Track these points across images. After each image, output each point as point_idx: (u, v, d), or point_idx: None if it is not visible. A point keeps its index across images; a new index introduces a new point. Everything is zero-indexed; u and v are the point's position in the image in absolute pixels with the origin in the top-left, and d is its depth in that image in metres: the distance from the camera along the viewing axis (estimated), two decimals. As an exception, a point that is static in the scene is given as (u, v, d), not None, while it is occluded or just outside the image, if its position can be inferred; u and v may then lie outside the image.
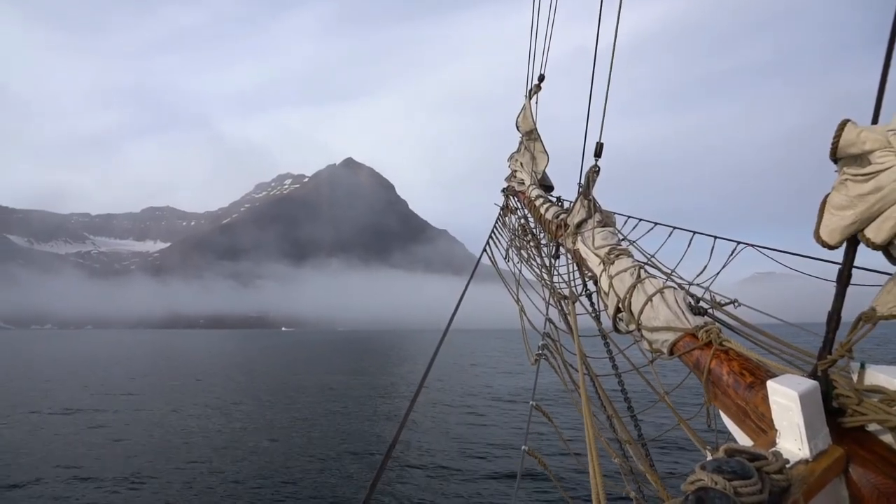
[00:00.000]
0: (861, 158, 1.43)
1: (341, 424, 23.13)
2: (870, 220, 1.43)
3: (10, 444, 19.64)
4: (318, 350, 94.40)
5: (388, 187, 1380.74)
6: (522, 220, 6.16)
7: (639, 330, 2.61)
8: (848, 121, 1.44)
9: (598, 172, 3.60)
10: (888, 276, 1.53)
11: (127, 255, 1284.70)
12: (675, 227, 3.67)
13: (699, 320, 2.31)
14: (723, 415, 1.92)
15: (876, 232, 1.43)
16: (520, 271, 4.88)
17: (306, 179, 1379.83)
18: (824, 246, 1.55)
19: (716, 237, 3.24)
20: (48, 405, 29.02)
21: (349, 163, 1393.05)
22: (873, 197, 1.40)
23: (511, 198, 6.76)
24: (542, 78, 6.30)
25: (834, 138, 1.45)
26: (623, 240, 3.67)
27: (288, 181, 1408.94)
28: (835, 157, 1.48)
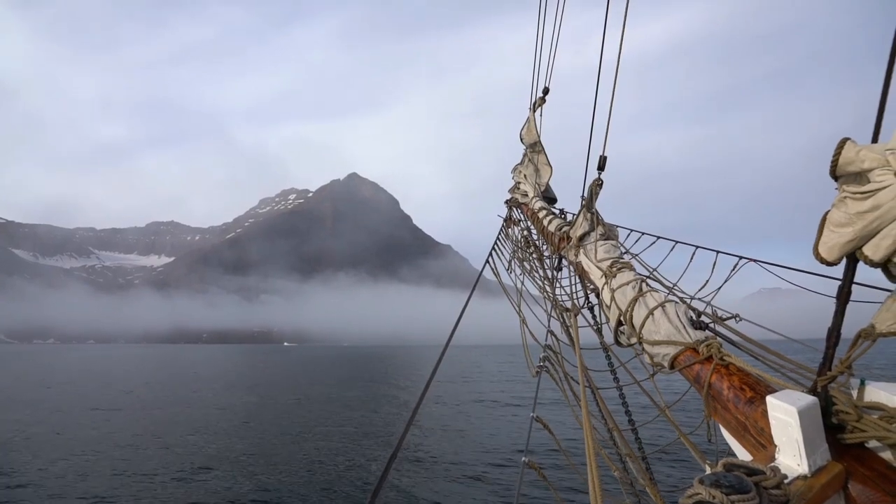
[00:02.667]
0: (860, 176, 1.45)
1: (338, 439, 22.95)
2: (868, 237, 1.44)
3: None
4: (317, 365, 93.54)
5: (393, 202, 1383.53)
6: (525, 232, 6.16)
7: (640, 343, 2.61)
8: (847, 139, 1.46)
9: (601, 185, 3.60)
10: (888, 293, 1.54)
11: (131, 270, 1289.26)
12: (677, 241, 3.67)
13: (700, 335, 2.31)
14: (723, 429, 1.92)
15: (874, 249, 1.44)
16: (522, 283, 4.88)
17: (310, 194, 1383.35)
18: (823, 262, 1.57)
19: (718, 252, 3.24)
20: (37, 420, 28.96)
21: (353, 178, 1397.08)
22: (872, 215, 1.42)
23: (514, 209, 6.77)
24: (546, 91, 6.34)
25: (833, 156, 1.46)
26: (625, 253, 3.67)
27: (292, 196, 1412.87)
28: (834, 174, 1.50)
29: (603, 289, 3.14)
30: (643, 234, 3.88)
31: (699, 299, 2.94)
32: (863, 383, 1.54)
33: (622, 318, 2.81)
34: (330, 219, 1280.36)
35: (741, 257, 3.16)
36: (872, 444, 1.43)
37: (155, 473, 17.40)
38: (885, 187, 1.39)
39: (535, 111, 6.43)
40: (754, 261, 3.11)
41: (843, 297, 1.54)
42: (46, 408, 34.05)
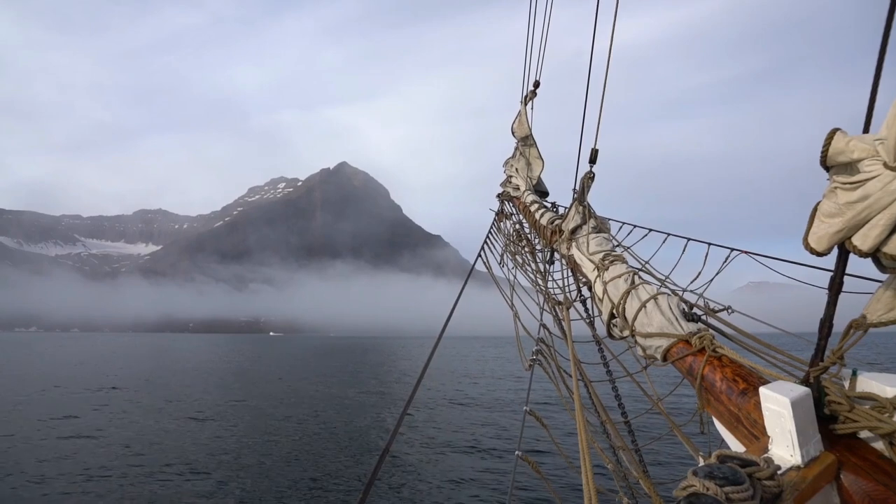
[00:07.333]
0: (850, 167, 1.44)
1: (332, 432, 23.00)
2: (857, 227, 1.44)
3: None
4: (298, 356, 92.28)
5: (383, 192, 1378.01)
6: (517, 226, 6.16)
7: (633, 336, 2.61)
8: (837, 130, 1.45)
9: (592, 178, 3.60)
10: (879, 284, 1.54)
11: (118, 258, 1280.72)
12: (669, 234, 3.67)
13: (692, 327, 2.31)
14: (716, 421, 1.92)
15: (863, 239, 1.43)
16: (514, 277, 4.87)
17: (300, 183, 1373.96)
18: (812, 253, 1.56)
19: (710, 244, 3.24)
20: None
21: (343, 167, 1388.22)
22: (861, 205, 1.41)
23: (506, 203, 6.76)
24: (537, 84, 6.32)
25: (823, 147, 1.46)
26: (617, 246, 3.67)
27: (282, 185, 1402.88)
28: (825, 165, 1.49)
29: (595, 282, 3.14)
30: (635, 226, 3.88)
31: (691, 291, 2.94)
32: (855, 374, 1.55)
33: (615, 311, 2.81)
34: (320, 208, 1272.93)
35: (732, 249, 3.17)
36: (864, 434, 1.43)
37: (112, 472, 17.35)
38: (873, 177, 1.39)
39: (526, 105, 6.42)
40: (746, 252, 3.12)
41: (836, 287, 1.54)
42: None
